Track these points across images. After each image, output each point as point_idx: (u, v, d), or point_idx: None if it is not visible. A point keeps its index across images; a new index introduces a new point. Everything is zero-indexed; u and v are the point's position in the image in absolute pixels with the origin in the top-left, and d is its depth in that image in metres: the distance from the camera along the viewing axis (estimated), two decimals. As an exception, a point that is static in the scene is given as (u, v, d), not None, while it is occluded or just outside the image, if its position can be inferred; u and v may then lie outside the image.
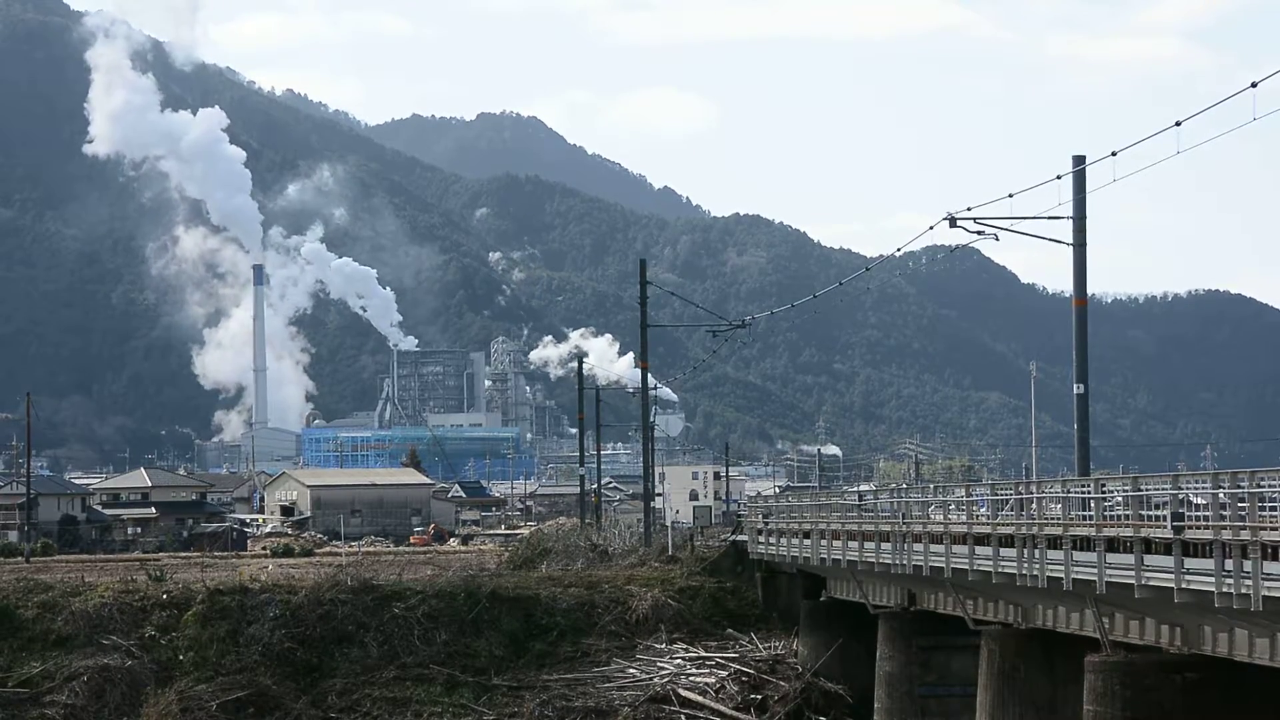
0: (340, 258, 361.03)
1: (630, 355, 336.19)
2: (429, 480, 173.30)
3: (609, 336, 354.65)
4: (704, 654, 51.88)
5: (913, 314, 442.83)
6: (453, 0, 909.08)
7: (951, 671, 42.58)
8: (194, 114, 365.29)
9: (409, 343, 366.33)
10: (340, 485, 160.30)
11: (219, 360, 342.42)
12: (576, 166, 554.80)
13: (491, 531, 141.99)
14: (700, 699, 49.18)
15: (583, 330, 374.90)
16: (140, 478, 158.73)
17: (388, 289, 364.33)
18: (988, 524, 35.21)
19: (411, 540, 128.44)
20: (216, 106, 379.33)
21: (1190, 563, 27.18)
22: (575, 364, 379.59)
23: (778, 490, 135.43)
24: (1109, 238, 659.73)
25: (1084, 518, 30.91)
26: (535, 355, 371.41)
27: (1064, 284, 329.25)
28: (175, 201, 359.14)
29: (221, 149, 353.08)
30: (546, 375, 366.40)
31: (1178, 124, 34.09)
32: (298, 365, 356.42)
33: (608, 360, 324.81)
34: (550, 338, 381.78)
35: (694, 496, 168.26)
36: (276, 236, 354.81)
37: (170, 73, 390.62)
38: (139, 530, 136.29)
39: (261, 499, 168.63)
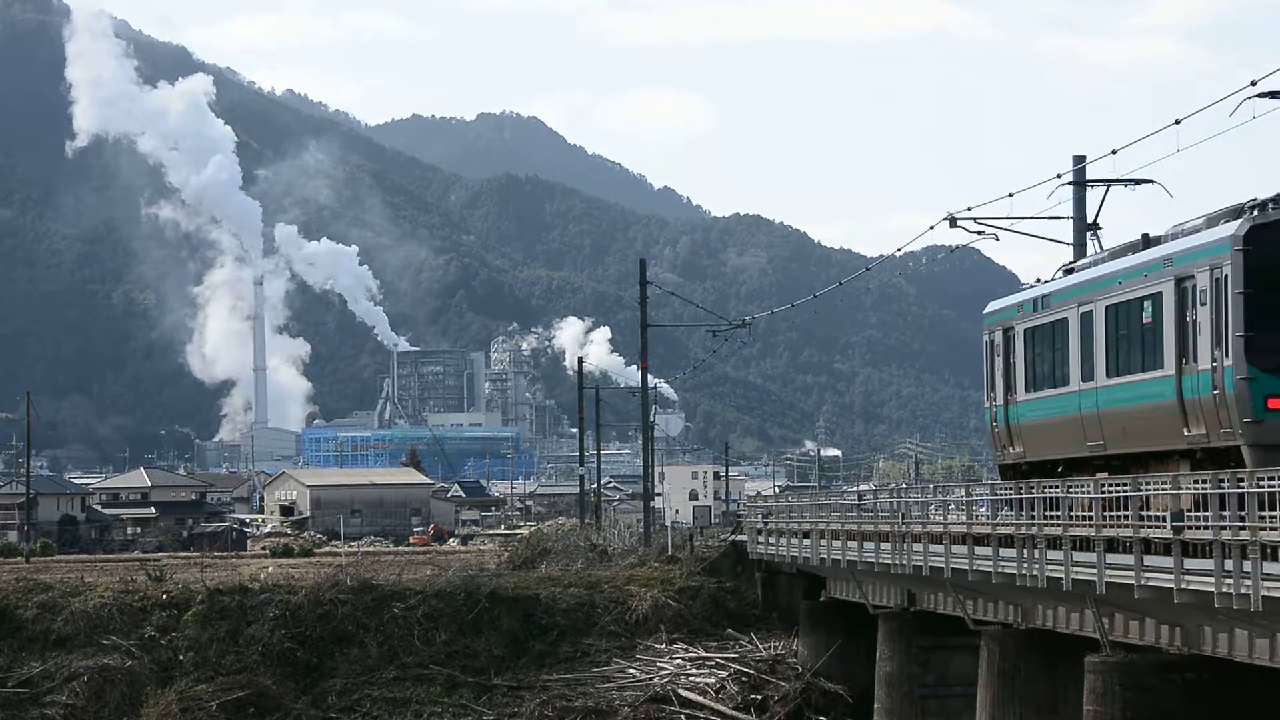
0: (318, 241, 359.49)
1: (605, 330, 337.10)
2: (429, 480, 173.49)
3: (588, 320, 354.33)
4: (704, 654, 51.86)
5: (913, 314, 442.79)
6: (451, 0, 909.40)
7: (951, 671, 42.54)
8: (173, 84, 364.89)
9: (393, 334, 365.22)
10: (340, 485, 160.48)
11: (217, 358, 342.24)
12: (576, 166, 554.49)
13: (491, 531, 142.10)
14: (700, 699, 49.17)
15: (552, 319, 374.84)
16: (140, 478, 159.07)
17: (365, 266, 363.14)
18: (987, 524, 35.19)
19: (411, 540, 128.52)
20: (209, 77, 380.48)
21: (1190, 563, 27.17)
22: (550, 352, 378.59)
23: (777, 490, 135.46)
24: (1108, 237, 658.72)
25: (1084, 518, 30.88)
26: (504, 347, 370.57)
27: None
28: (168, 196, 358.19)
29: (217, 148, 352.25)
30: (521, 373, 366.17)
31: (1177, 122, 34.09)
32: (295, 363, 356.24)
33: (579, 345, 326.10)
34: (515, 324, 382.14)
35: (694, 496, 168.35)
36: (274, 234, 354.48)
37: (168, 73, 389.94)
38: (139, 530, 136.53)
39: (261, 499, 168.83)
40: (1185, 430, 30.28)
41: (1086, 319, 33.90)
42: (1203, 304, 29.55)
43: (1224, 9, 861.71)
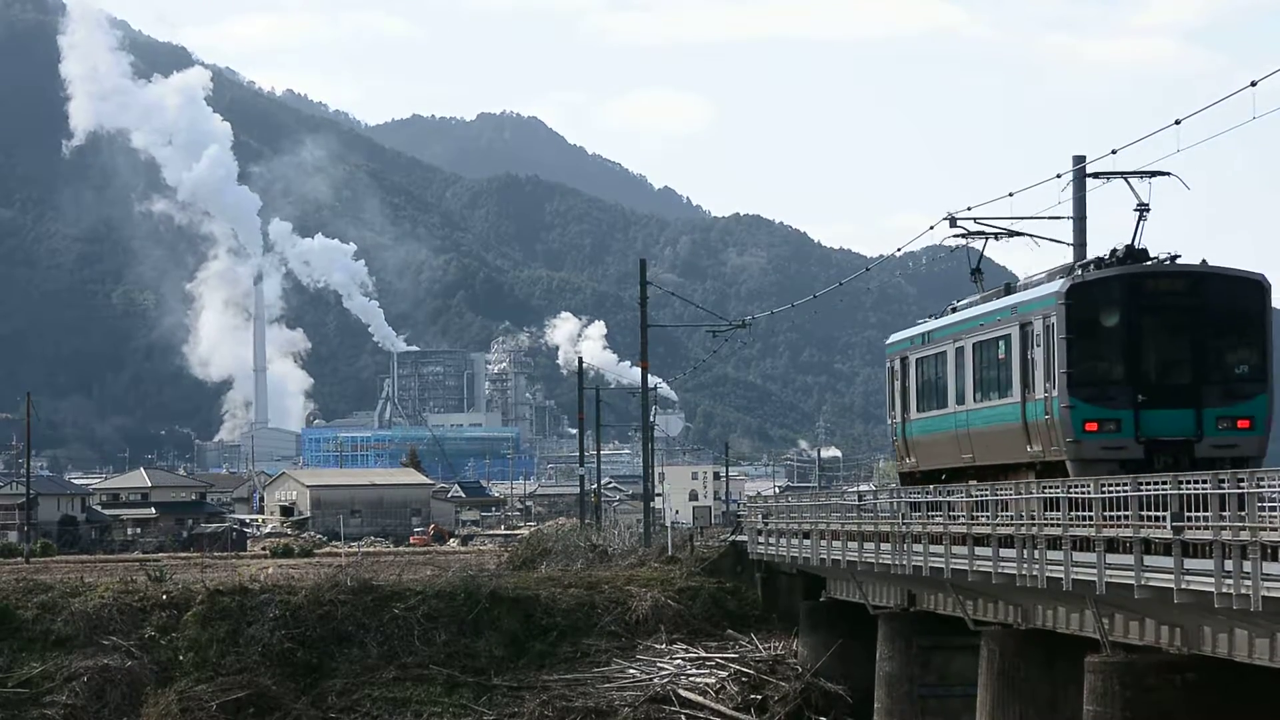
0: (313, 238, 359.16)
1: (599, 326, 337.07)
2: (429, 480, 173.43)
3: (584, 318, 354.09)
4: (704, 654, 51.85)
5: (913, 314, 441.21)
6: (451, 0, 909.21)
7: (951, 671, 42.52)
8: (167, 77, 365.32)
9: (388, 328, 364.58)
10: (340, 485, 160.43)
11: (214, 353, 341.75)
12: (576, 166, 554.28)
13: (491, 532, 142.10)
14: (700, 699, 49.17)
15: (546, 316, 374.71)
16: (140, 478, 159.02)
17: (360, 262, 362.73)
18: (988, 524, 35.21)
19: (411, 540, 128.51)
20: (207, 72, 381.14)
21: (1190, 563, 27.20)
22: (544, 349, 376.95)
23: (778, 490, 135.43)
24: (1109, 237, 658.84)
25: (1084, 518, 30.92)
26: (504, 347, 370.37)
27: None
28: (165, 192, 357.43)
29: (214, 142, 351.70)
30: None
31: (1177, 122, 34.11)
32: (295, 358, 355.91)
33: (572, 342, 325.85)
34: (499, 321, 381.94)
35: (694, 496, 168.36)
36: (273, 233, 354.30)
37: (166, 71, 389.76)
38: (139, 530, 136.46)
39: (261, 499, 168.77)
40: (1028, 447, 36.71)
41: (960, 353, 40.57)
42: (1038, 345, 35.98)
43: (1224, 9, 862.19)
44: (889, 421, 46.38)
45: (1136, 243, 36.38)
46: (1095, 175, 37.95)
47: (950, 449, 41.44)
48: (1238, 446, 34.79)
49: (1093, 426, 34.61)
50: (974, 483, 38.40)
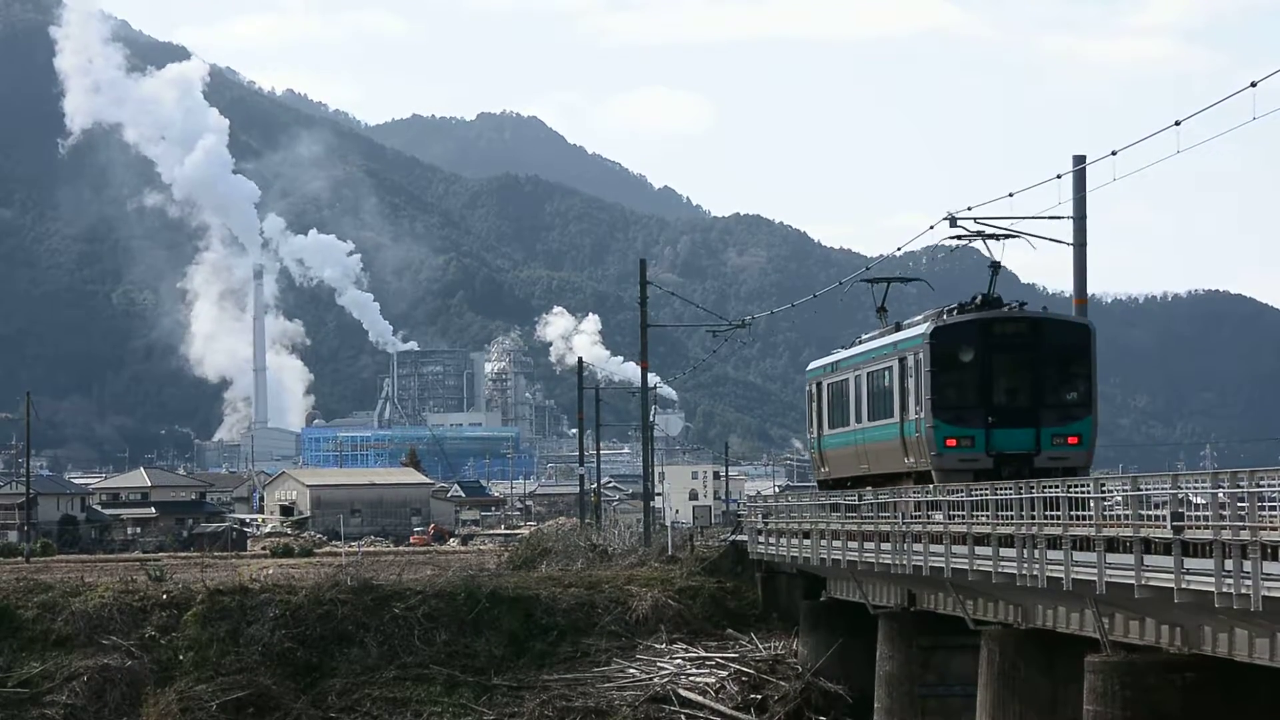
0: (307, 235, 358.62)
1: (593, 321, 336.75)
2: (429, 480, 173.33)
3: (579, 315, 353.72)
4: (704, 654, 51.88)
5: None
6: (451, 0, 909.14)
7: (951, 671, 42.52)
8: (160, 69, 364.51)
9: (384, 322, 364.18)
10: (340, 485, 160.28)
11: (211, 348, 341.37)
12: (576, 166, 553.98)
13: (491, 531, 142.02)
14: (700, 699, 49.20)
15: (540, 313, 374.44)
16: (140, 477, 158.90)
17: (355, 258, 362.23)
18: (988, 524, 35.21)
19: (411, 540, 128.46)
20: (205, 65, 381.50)
21: (1190, 563, 27.18)
22: (538, 344, 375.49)
23: (778, 490, 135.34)
24: (1109, 238, 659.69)
25: (1084, 518, 30.91)
26: (502, 346, 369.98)
27: (1064, 284, 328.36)
28: (164, 188, 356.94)
29: (211, 138, 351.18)
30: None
31: (1177, 123, 34.19)
32: (295, 352, 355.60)
33: (565, 338, 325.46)
34: (499, 321, 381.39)
35: (694, 496, 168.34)
36: (272, 233, 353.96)
37: (167, 74, 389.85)
38: (139, 530, 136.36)
39: (261, 499, 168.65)
40: (906, 459, 43.63)
41: (859, 380, 47.66)
42: (911, 376, 43.00)
43: (1224, 9, 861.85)
44: (808, 436, 54.11)
45: (990, 292, 43.34)
46: (958, 237, 44.31)
47: (852, 460, 48.67)
48: (1068, 459, 41.44)
49: (952, 442, 41.66)
50: (871, 487, 44.62)
